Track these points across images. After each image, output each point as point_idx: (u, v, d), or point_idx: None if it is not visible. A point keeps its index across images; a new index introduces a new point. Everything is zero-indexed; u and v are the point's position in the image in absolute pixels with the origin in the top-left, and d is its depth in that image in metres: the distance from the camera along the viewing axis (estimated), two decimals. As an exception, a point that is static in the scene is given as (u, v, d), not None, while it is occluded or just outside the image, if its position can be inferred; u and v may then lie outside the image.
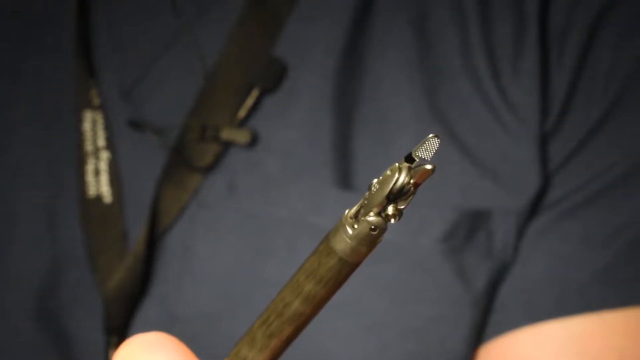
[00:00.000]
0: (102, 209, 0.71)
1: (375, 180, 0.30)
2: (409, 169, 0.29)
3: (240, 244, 0.69)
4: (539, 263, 0.68)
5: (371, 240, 0.30)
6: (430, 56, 0.70)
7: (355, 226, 0.30)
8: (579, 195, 0.69)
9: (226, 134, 0.69)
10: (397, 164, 0.30)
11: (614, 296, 0.67)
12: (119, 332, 0.69)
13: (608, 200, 0.68)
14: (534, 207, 0.69)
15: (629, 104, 0.69)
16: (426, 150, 0.30)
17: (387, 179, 0.30)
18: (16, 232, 0.71)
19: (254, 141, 0.70)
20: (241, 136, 0.69)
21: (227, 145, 0.70)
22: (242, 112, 0.70)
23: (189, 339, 0.69)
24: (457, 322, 0.68)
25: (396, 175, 0.29)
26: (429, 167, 0.30)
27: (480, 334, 0.69)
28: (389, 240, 0.68)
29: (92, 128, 0.71)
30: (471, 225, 0.68)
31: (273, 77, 0.70)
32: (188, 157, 0.70)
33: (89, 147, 0.71)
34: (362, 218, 0.30)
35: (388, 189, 0.29)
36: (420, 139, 0.68)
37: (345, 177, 0.69)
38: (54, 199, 0.71)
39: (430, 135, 0.30)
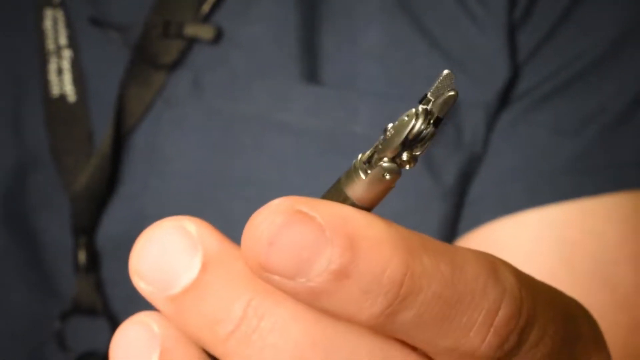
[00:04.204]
0: (67, 109, 0.70)
1: (390, 125, 0.29)
2: (426, 112, 0.28)
3: (206, 141, 0.68)
4: (510, 154, 0.68)
5: (384, 186, 0.29)
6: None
7: (369, 171, 0.29)
8: (549, 85, 0.68)
9: (190, 29, 0.68)
10: (413, 109, 0.28)
11: (587, 184, 0.66)
12: (87, 232, 0.69)
13: (578, 88, 0.68)
14: (504, 99, 0.68)
15: None
16: (442, 88, 0.28)
17: (403, 125, 0.28)
18: (-21, 135, 0.70)
19: (218, 37, 0.69)
20: (205, 32, 0.68)
21: (191, 42, 0.69)
22: (205, 7, 0.69)
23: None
24: (425, 215, 0.67)
25: (412, 121, 0.28)
26: (452, 93, 0.28)
27: (452, 228, 0.68)
28: (358, 134, 0.67)
29: (53, 26, 0.70)
30: None
31: None
32: (152, 55, 0.69)
33: (50, 45, 0.70)
34: (376, 164, 0.29)
35: (403, 136, 0.28)
36: (387, 31, 0.68)
37: (312, 71, 0.68)
38: (16, 101, 0.70)
39: (445, 72, 0.28)
